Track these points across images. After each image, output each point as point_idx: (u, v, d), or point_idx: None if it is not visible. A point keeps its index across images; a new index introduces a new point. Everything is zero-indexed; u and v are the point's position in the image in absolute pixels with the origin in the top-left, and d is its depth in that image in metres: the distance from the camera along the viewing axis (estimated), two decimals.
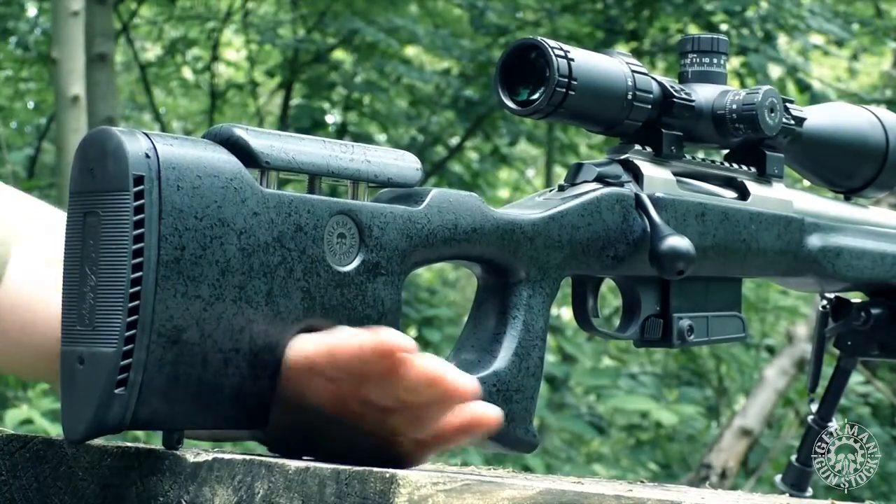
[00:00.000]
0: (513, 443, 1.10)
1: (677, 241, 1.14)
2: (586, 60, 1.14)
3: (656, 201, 1.17)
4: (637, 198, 1.16)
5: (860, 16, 7.21)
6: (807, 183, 1.46)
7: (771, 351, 6.96)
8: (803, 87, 6.27)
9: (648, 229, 1.15)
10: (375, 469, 0.86)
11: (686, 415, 6.40)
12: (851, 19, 6.99)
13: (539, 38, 1.13)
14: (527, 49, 1.15)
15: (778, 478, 1.46)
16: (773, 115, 1.24)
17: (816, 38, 7.02)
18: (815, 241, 1.32)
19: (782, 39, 6.67)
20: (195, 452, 0.93)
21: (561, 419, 6.24)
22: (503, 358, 1.09)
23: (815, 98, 6.08)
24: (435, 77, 6.99)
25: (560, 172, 7.35)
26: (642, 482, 1.24)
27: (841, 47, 7.46)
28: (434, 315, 6.46)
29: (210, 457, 0.91)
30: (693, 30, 6.30)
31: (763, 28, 6.27)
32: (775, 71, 6.28)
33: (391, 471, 0.85)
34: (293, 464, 0.87)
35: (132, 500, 0.93)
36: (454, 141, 7.47)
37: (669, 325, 1.21)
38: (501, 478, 0.95)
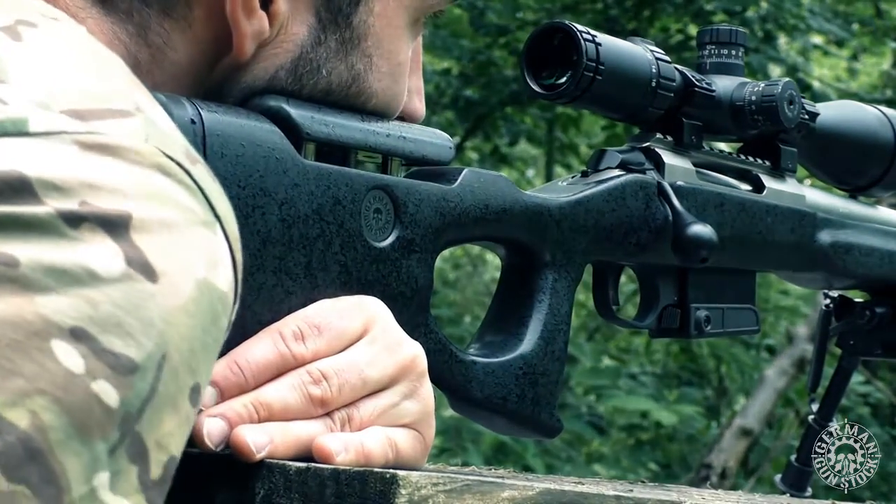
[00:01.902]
0: (537, 427, 1.10)
1: (701, 229, 1.15)
2: (613, 46, 1.14)
3: (677, 190, 1.18)
4: (659, 185, 1.17)
5: (860, 16, 7.21)
6: (808, 181, 1.46)
7: (771, 351, 6.96)
8: (803, 87, 6.27)
9: (670, 217, 1.16)
10: (376, 469, 0.85)
11: (686, 415, 6.40)
12: (851, 19, 6.99)
13: (566, 22, 1.13)
14: (552, 33, 1.15)
15: (778, 478, 1.46)
16: (791, 107, 1.25)
17: (816, 38, 7.02)
18: (826, 236, 1.33)
19: (782, 39, 6.67)
20: (195, 453, 0.93)
21: (561, 419, 6.23)
22: (529, 341, 1.09)
23: (815, 98, 6.08)
24: (435, 77, 6.99)
25: (560, 172, 7.35)
26: (643, 482, 1.24)
27: (841, 47, 7.46)
28: (434, 316, 6.44)
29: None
30: (693, 30, 6.30)
31: (763, 28, 6.27)
32: (775, 71, 6.28)
33: (391, 471, 0.84)
34: (293, 464, 0.87)
35: None
36: (454, 141, 7.46)
37: (687, 315, 1.22)
38: (502, 478, 0.94)
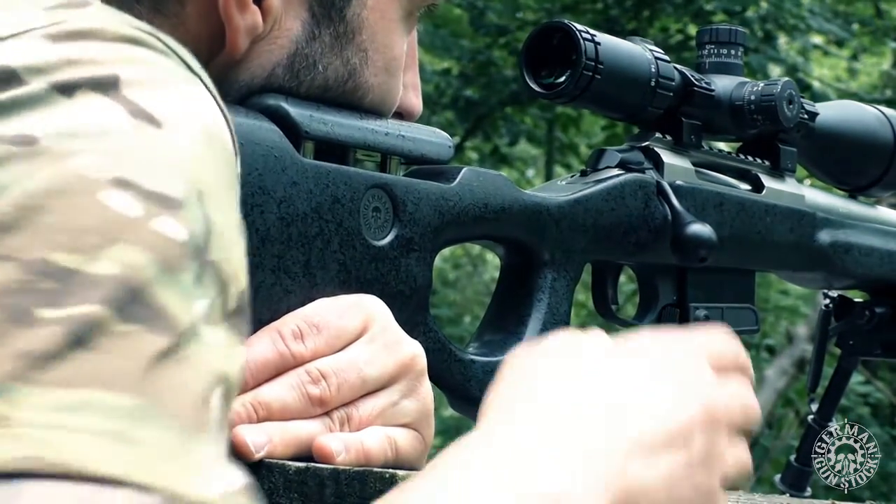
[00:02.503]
0: None
1: (700, 228, 1.14)
2: (612, 45, 1.14)
3: (676, 189, 1.18)
4: (658, 185, 1.17)
5: (860, 16, 7.21)
6: (807, 181, 1.46)
7: (771, 351, 6.97)
8: (803, 87, 6.27)
9: (669, 216, 1.16)
10: (375, 469, 0.85)
11: None
12: (851, 19, 6.99)
13: (565, 21, 1.13)
14: (551, 33, 1.14)
15: (778, 478, 1.46)
16: (791, 106, 1.25)
17: (816, 39, 7.02)
18: (825, 236, 1.33)
19: (782, 39, 6.67)
20: None
21: None
22: (528, 340, 1.09)
23: (814, 98, 6.08)
24: (435, 77, 6.99)
25: (560, 172, 7.35)
26: None
27: (841, 47, 7.46)
28: (434, 315, 6.44)
29: None
30: (693, 30, 6.30)
31: (763, 28, 6.28)
32: (775, 71, 6.28)
33: (391, 471, 0.84)
34: (293, 464, 0.87)
35: None
36: (454, 141, 7.46)
37: (686, 314, 1.22)
38: None
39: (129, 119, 0.67)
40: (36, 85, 0.67)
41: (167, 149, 0.68)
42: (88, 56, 0.69)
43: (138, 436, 0.59)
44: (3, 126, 0.65)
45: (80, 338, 0.60)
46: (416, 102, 1.07)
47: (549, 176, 7.85)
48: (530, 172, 8.91)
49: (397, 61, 1.03)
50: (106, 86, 0.68)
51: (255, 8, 0.94)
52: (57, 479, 0.56)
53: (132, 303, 0.62)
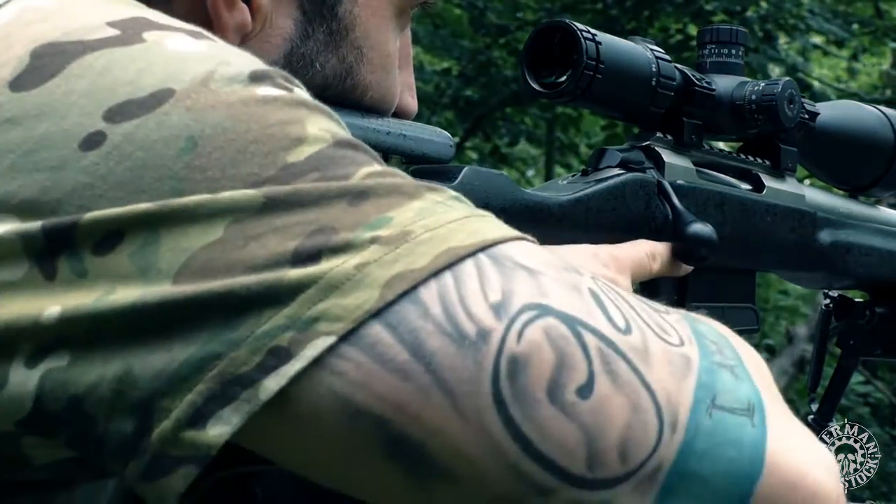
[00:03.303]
0: None
1: (701, 228, 1.14)
2: (613, 45, 1.14)
3: (677, 189, 1.17)
4: (659, 184, 1.16)
5: (860, 16, 7.22)
6: (807, 181, 1.46)
7: (771, 351, 6.97)
8: (803, 87, 6.28)
9: (671, 216, 1.16)
10: None
11: None
12: (851, 19, 7.00)
13: (566, 21, 1.12)
14: (552, 32, 1.14)
15: None
16: (791, 106, 1.25)
17: (816, 39, 7.03)
18: (826, 236, 1.33)
19: (782, 39, 6.68)
20: None
21: None
22: None
23: (815, 98, 6.08)
24: (435, 77, 6.99)
25: (560, 172, 7.35)
26: None
27: (841, 47, 7.47)
28: None
29: None
30: (693, 30, 6.31)
31: (763, 28, 6.28)
32: (775, 71, 6.28)
33: None
34: None
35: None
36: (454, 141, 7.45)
37: None
38: None
39: (194, 40, 0.76)
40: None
41: (236, 50, 0.77)
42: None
43: (475, 211, 0.73)
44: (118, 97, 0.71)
45: (379, 178, 0.73)
46: (411, 102, 1.07)
47: (549, 176, 7.85)
48: (530, 172, 8.91)
49: (391, 58, 1.03)
50: (152, 24, 0.76)
51: (243, 5, 0.94)
52: (470, 256, 0.70)
53: (359, 149, 0.75)
